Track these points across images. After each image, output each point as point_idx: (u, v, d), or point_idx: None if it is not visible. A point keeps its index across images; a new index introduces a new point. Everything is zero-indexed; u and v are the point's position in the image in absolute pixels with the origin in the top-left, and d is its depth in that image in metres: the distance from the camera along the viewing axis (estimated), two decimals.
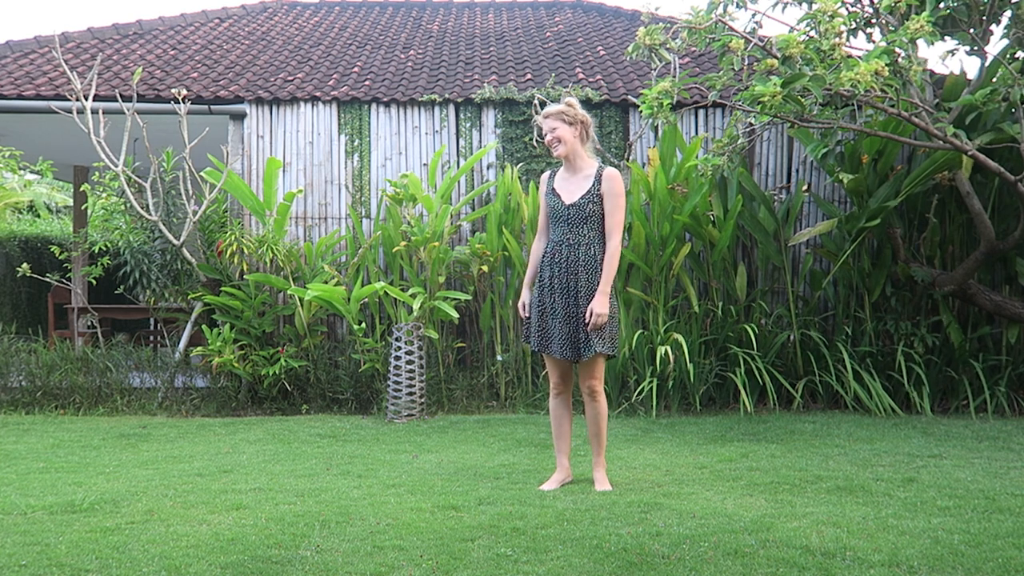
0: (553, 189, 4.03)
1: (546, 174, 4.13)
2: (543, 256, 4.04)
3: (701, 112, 7.58)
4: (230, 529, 3.34)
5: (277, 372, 6.64)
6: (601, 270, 3.91)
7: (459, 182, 7.41)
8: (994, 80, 5.99)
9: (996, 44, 12.57)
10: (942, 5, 5.93)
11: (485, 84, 7.72)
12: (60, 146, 9.62)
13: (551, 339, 3.97)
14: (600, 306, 3.83)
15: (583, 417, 4.26)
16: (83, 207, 10.34)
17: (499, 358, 7.00)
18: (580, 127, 3.94)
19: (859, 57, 5.34)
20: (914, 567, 2.86)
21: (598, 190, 3.92)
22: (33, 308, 12.04)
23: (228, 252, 6.78)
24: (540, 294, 4.01)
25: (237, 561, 2.95)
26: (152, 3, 44.55)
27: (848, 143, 6.75)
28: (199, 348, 6.85)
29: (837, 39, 5.01)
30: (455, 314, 6.54)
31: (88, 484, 4.22)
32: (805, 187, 7.13)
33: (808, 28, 5.29)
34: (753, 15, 6.10)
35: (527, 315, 4.10)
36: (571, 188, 3.98)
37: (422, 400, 6.43)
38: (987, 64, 6.26)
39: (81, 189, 9.31)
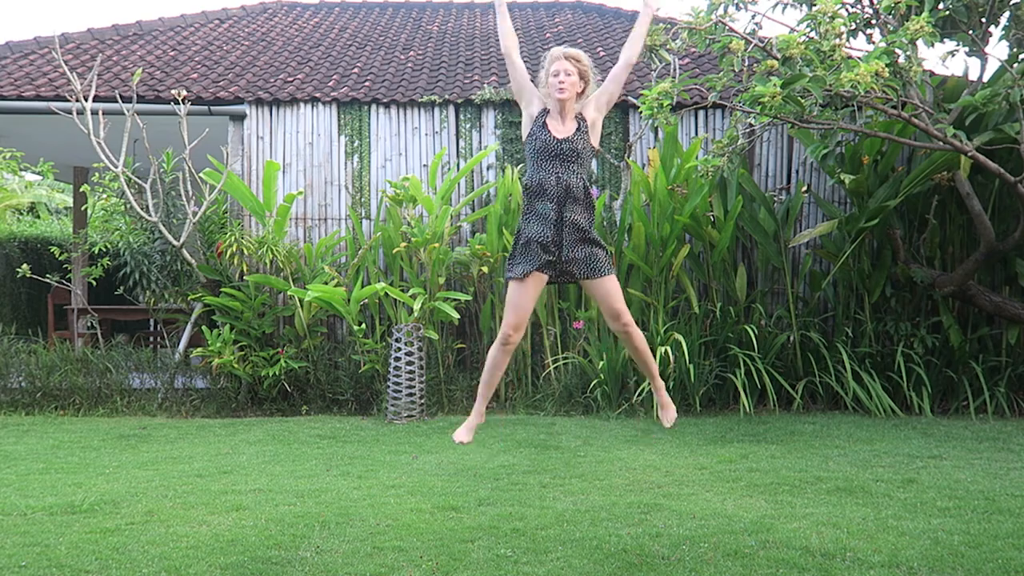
0: (544, 124, 3.97)
1: (539, 108, 4.01)
2: (532, 187, 3.75)
3: (701, 113, 7.57)
4: (230, 530, 3.34)
5: (277, 373, 6.64)
6: (592, 207, 3.79)
7: (459, 183, 7.41)
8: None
9: (995, 45, 12.58)
10: (941, 6, 5.93)
11: (485, 85, 7.72)
12: (60, 147, 9.61)
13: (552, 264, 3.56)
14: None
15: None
16: (83, 208, 10.33)
17: None
18: (585, 84, 3.97)
19: (859, 58, 5.34)
20: (914, 568, 2.86)
21: (585, 125, 3.90)
22: (33, 309, 12.02)
23: (228, 253, 6.78)
24: (529, 224, 3.66)
25: (237, 562, 2.95)
26: (152, 4, 44.59)
27: (848, 144, 6.75)
28: (199, 349, 6.84)
29: (837, 40, 5.01)
30: (455, 315, 6.54)
31: (88, 485, 4.22)
32: (805, 188, 7.13)
33: (808, 29, 5.29)
34: (753, 16, 6.11)
35: None
36: (560, 128, 3.93)
37: (422, 401, 6.43)
38: (986, 66, 6.26)
39: (81, 190, 9.31)
